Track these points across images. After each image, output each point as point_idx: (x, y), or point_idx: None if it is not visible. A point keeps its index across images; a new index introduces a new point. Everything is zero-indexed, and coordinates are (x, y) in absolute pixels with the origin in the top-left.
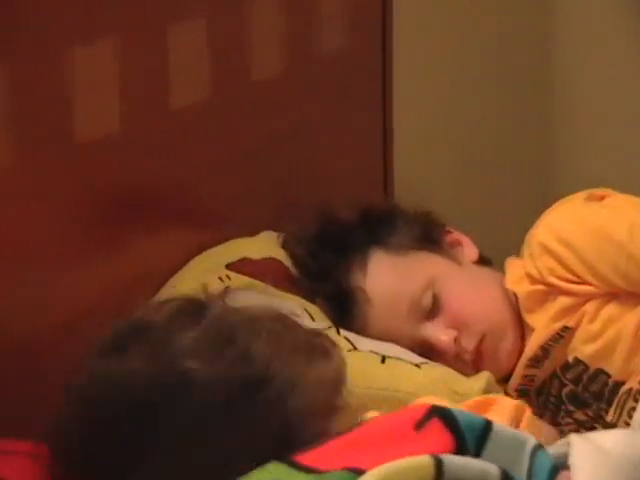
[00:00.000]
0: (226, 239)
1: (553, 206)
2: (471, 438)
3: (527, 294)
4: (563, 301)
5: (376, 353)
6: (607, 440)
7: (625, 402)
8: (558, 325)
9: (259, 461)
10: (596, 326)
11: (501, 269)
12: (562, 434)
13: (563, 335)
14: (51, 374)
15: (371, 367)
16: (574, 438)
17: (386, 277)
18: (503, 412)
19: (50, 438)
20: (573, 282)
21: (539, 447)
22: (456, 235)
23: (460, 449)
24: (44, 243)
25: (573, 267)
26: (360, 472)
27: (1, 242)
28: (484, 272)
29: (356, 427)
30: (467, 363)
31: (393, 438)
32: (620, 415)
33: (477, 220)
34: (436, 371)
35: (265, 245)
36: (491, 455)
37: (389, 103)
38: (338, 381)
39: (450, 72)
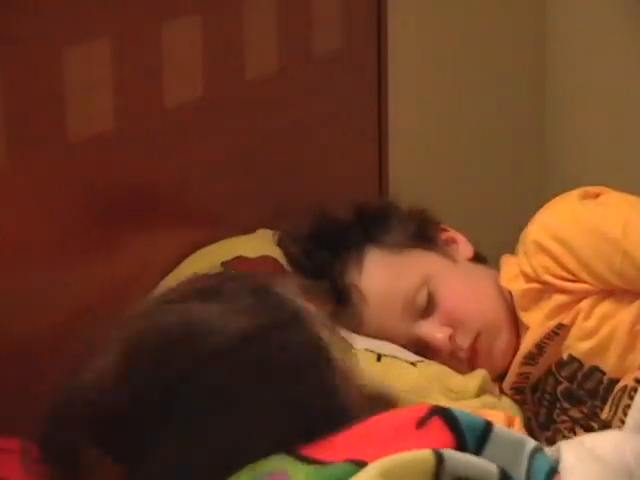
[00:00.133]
0: (222, 238)
1: (548, 204)
2: (471, 438)
3: (522, 292)
4: (558, 299)
5: (372, 351)
6: (600, 445)
7: (620, 399)
8: (553, 323)
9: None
10: (591, 323)
11: (496, 267)
12: (557, 432)
13: (558, 332)
14: (51, 374)
15: (367, 365)
16: (565, 444)
17: (381, 275)
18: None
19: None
20: (568, 280)
21: (538, 449)
22: (451, 233)
23: (460, 448)
24: (40, 243)
25: (568, 265)
26: (363, 464)
27: (4, 238)
28: (479, 270)
29: (360, 422)
30: (462, 361)
31: (395, 434)
32: (615, 413)
33: (472, 218)
34: (431, 369)
35: (260, 243)
36: (490, 455)
37: (384, 103)
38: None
39: (446, 72)
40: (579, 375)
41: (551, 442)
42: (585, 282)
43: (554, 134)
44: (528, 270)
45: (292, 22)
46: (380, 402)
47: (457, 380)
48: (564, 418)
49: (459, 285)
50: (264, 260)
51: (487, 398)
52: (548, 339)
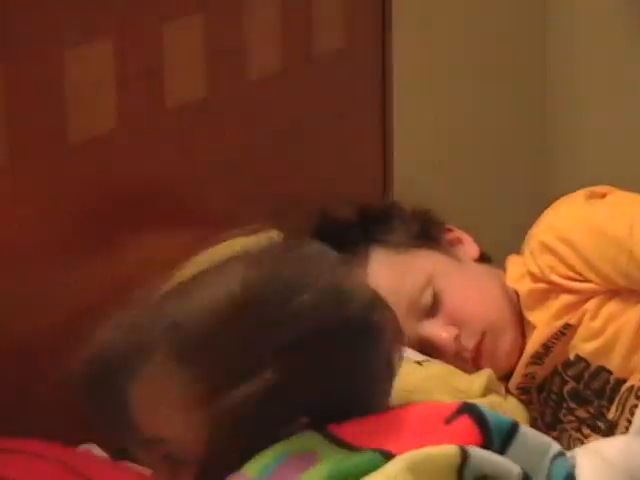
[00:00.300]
0: (223, 238)
1: (554, 204)
2: (497, 437)
3: (528, 292)
4: (565, 299)
5: None
6: (608, 449)
7: (627, 400)
8: (560, 323)
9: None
10: (597, 323)
11: (501, 267)
12: (564, 432)
13: (565, 332)
14: (51, 374)
15: None
16: (580, 450)
17: (386, 275)
18: None
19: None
20: (575, 280)
21: (560, 454)
22: (457, 233)
23: (486, 446)
24: (41, 243)
25: (575, 265)
26: (391, 456)
27: (4, 237)
28: (485, 270)
29: (391, 409)
30: (467, 361)
31: (424, 428)
32: (622, 413)
33: (477, 218)
34: (437, 368)
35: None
36: (514, 455)
37: (389, 103)
38: None
39: (449, 71)
40: (586, 375)
41: (557, 442)
42: (592, 282)
43: (557, 134)
44: (535, 270)
45: (295, 21)
46: None
47: (463, 379)
48: (570, 418)
49: (464, 285)
50: None
51: (493, 398)
52: (555, 339)
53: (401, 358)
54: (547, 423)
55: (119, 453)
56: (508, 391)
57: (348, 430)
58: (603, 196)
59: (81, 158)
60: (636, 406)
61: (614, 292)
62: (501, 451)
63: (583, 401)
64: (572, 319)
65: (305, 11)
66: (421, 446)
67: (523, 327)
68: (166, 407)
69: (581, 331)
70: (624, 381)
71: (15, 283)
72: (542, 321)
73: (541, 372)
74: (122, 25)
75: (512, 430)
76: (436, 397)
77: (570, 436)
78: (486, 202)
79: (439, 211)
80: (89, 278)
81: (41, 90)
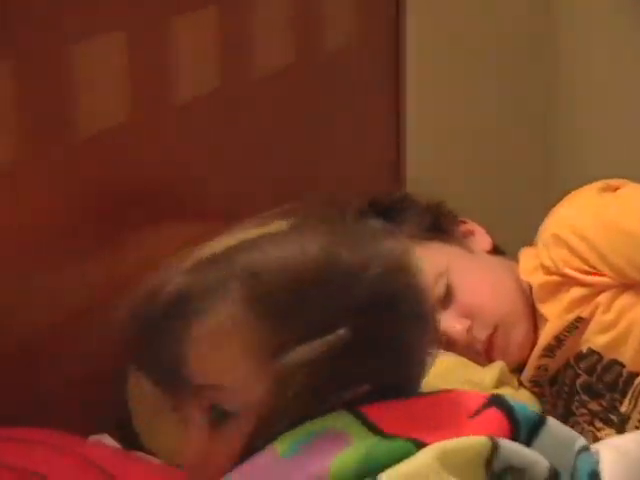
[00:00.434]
0: None
1: (568, 196)
2: (524, 429)
3: (541, 284)
4: (577, 292)
5: None
6: (628, 443)
7: None
8: (572, 316)
9: None
10: (610, 317)
11: (514, 260)
12: (576, 425)
13: (577, 325)
14: (51, 374)
15: None
16: (600, 446)
17: None
18: None
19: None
20: (587, 273)
21: (585, 448)
22: (469, 225)
23: (514, 437)
24: (47, 239)
25: (587, 258)
26: (423, 445)
27: (4, 237)
28: (498, 262)
29: (420, 396)
30: (480, 353)
31: (454, 418)
32: (635, 406)
33: (490, 210)
34: (450, 360)
35: None
36: (540, 448)
37: (402, 95)
38: None
39: (464, 63)
40: (598, 368)
41: None
42: (605, 275)
43: (567, 130)
44: (547, 263)
45: (307, 14)
46: None
47: (475, 371)
48: (583, 411)
49: (477, 277)
50: None
51: (505, 390)
52: (567, 332)
53: (436, 348)
54: (559, 416)
55: (131, 443)
56: (520, 383)
57: (382, 415)
58: (617, 189)
59: (90, 153)
60: None
61: (627, 286)
62: (527, 443)
63: (596, 394)
64: (584, 312)
65: (318, 3)
66: (452, 436)
67: (535, 319)
68: (232, 352)
69: (593, 324)
70: (637, 374)
71: (19, 281)
72: (554, 314)
73: (553, 365)
74: (133, 19)
75: (539, 422)
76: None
77: (582, 429)
78: (500, 194)
79: (452, 203)
80: (94, 274)
81: (51, 84)
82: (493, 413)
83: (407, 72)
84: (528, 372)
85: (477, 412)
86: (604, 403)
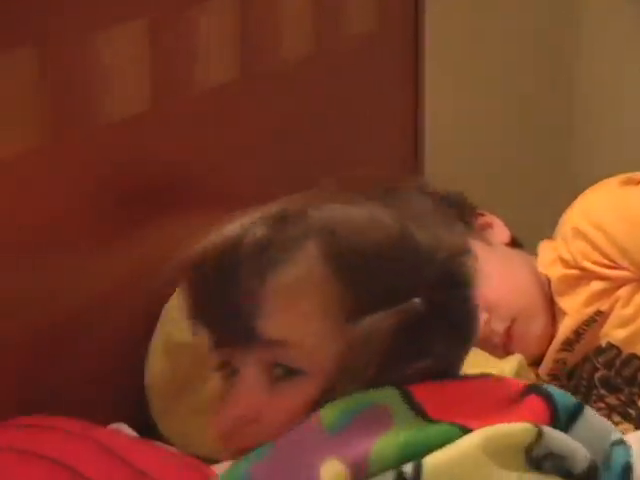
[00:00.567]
0: None
1: (588, 189)
2: (563, 416)
3: (559, 278)
4: (596, 285)
5: None
6: None
7: None
8: (591, 309)
9: None
10: (629, 311)
11: (533, 253)
12: None
13: (596, 319)
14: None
15: None
16: (631, 437)
17: None
18: None
19: None
20: (607, 267)
21: (620, 441)
22: (488, 217)
23: (554, 424)
24: (72, 225)
25: (607, 252)
26: (467, 430)
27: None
28: (516, 254)
29: (462, 379)
30: (498, 346)
31: (497, 403)
32: None
33: (509, 204)
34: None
35: None
36: (576, 436)
37: (421, 84)
38: None
39: (484, 56)
40: (617, 362)
41: None
42: (624, 269)
43: (593, 124)
44: (566, 256)
45: (326, 4)
46: None
47: (493, 364)
48: (601, 405)
49: (495, 269)
50: None
51: None
52: (586, 325)
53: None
54: None
55: (148, 432)
56: (538, 377)
57: (428, 396)
58: (639, 183)
59: (113, 140)
60: None
61: None
62: (565, 430)
63: (614, 388)
64: (603, 306)
65: None
66: (497, 422)
67: (554, 313)
68: (309, 308)
69: (612, 318)
70: None
71: (35, 269)
72: (573, 307)
73: (572, 359)
74: (157, 7)
75: (577, 410)
76: None
77: None
78: (519, 186)
79: (470, 195)
80: (116, 261)
81: (76, 71)
82: (534, 399)
83: (426, 66)
84: (546, 365)
85: (519, 398)
86: (622, 397)
